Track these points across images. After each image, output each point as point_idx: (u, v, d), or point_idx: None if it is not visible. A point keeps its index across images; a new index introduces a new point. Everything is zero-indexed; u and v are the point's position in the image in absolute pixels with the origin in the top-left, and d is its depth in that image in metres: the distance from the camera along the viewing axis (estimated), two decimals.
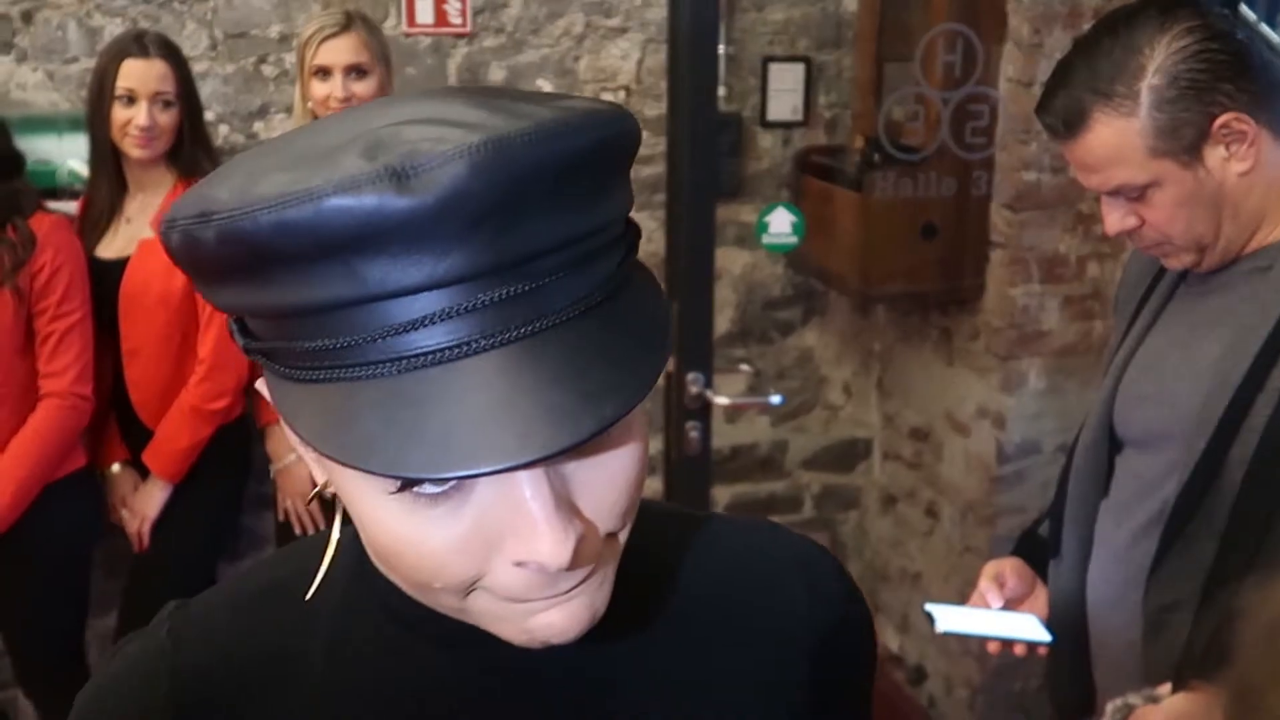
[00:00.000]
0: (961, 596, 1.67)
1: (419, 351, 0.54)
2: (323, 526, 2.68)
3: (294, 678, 0.72)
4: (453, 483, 0.56)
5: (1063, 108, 1.40)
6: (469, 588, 0.60)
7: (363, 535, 0.63)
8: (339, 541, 0.72)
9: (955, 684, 3.19)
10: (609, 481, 0.60)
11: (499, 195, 0.52)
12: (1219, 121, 1.33)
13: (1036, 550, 1.70)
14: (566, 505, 0.58)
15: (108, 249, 2.51)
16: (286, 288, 0.54)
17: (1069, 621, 1.60)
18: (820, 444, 3.54)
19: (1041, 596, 1.67)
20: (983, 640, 1.64)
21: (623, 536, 0.64)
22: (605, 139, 0.57)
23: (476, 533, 0.58)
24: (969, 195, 2.87)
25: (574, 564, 0.57)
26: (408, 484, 0.56)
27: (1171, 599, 1.40)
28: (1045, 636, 1.61)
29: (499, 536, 0.58)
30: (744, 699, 0.76)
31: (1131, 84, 1.34)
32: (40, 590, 2.47)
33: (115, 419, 2.62)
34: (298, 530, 2.72)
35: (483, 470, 0.52)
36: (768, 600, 0.79)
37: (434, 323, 0.53)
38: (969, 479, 3.10)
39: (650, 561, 0.76)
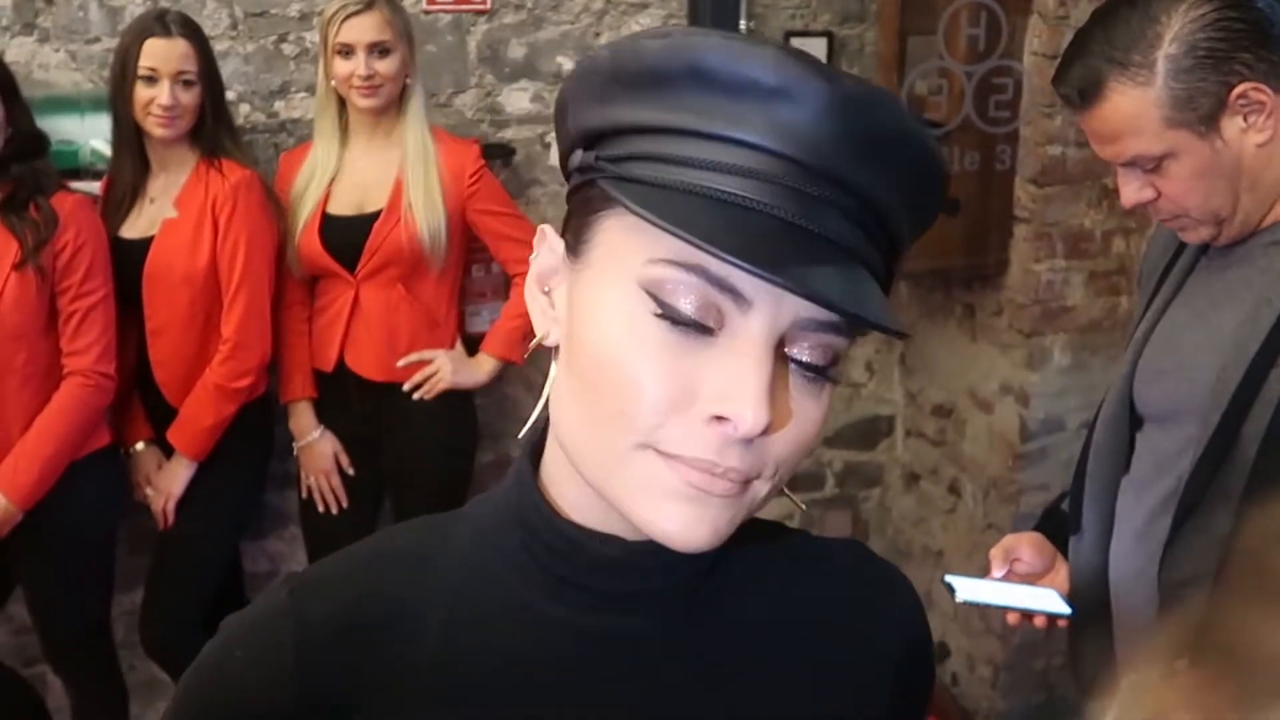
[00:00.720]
0: (984, 574, 1.66)
1: (756, 197, 0.64)
2: (345, 504, 2.70)
3: (412, 639, 0.75)
4: (697, 331, 0.65)
5: (1079, 77, 1.38)
6: (642, 440, 0.66)
7: (587, 357, 0.68)
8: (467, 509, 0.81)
9: (978, 661, 3.18)
10: (800, 420, 0.68)
11: (877, 128, 0.65)
12: (1237, 91, 1.31)
13: (1060, 526, 1.69)
14: (774, 393, 0.66)
15: (131, 229, 2.52)
16: (686, 108, 0.66)
17: (1091, 598, 1.59)
18: (843, 421, 3.52)
19: (1062, 572, 1.66)
20: (1003, 611, 1.63)
21: (762, 492, 0.70)
22: (943, 173, 0.71)
23: (690, 374, 0.65)
24: (993, 170, 2.85)
25: (765, 433, 0.65)
26: (671, 313, 0.65)
27: (1188, 574, 1.39)
28: (1065, 609, 1.60)
29: (708, 388, 0.65)
30: (829, 712, 0.81)
31: (1148, 53, 1.33)
32: (66, 568, 2.49)
33: (139, 398, 2.63)
34: (320, 508, 2.74)
35: (788, 284, 0.61)
36: (856, 624, 0.83)
37: (772, 182, 0.64)
38: (992, 456, 3.09)
39: (750, 567, 0.81)
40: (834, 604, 0.83)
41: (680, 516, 0.67)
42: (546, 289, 0.74)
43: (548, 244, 0.74)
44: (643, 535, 0.70)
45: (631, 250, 0.66)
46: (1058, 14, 2.70)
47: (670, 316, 0.65)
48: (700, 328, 0.65)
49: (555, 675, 0.74)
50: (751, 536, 0.77)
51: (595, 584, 0.75)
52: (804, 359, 0.67)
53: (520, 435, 0.80)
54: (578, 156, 0.71)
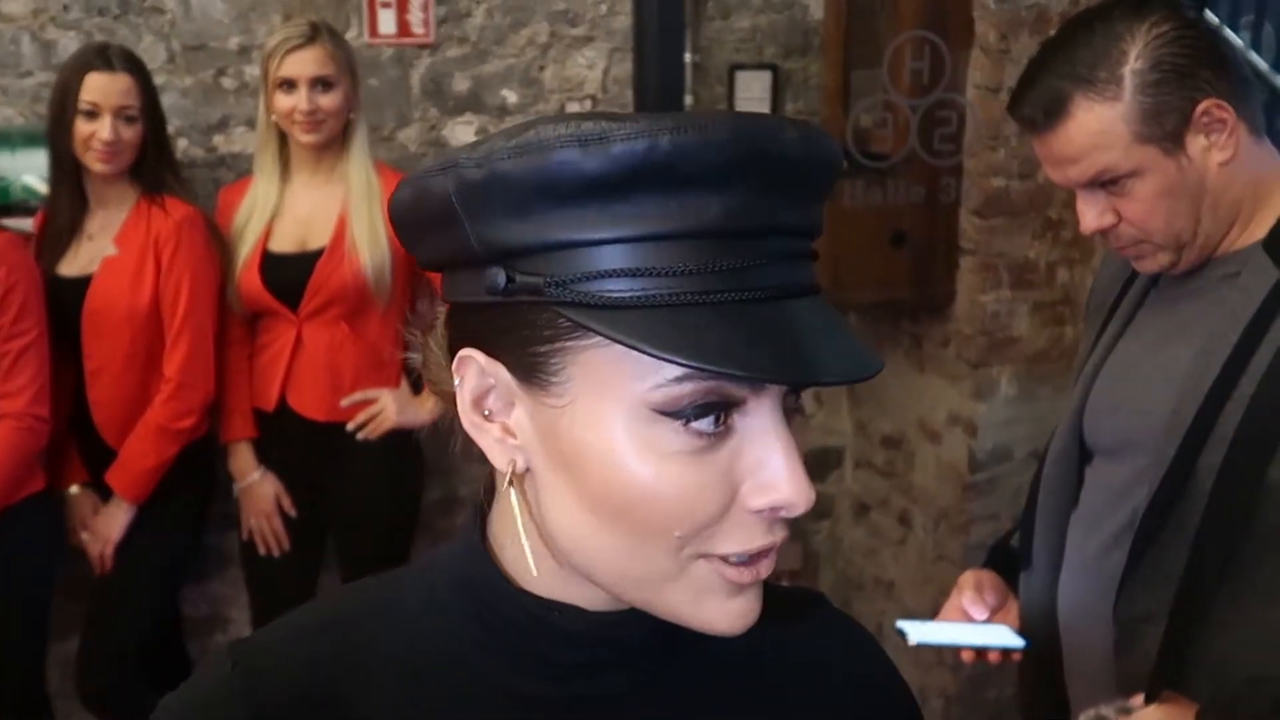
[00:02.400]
0: (935, 604, 1.65)
1: (770, 285, 0.63)
2: (286, 547, 2.65)
3: (363, 702, 0.72)
4: (720, 427, 0.63)
5: (1041, 98, 1.38)
6: (694, 551, 0.65)
7: (606, 488, 0.65)
8: (406, 571, 0.79)
9: (930, 694, 3.18)
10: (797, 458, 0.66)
11: (808, 164, 0.64)
12: (1201, 108, 1.33)
13: (1008, 562, 1.68)
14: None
15: (69, 266, 2.47)
16: (651, 214, 0.61)
17: (1041, 633, 1.58)
18: None
19: (1013, 610, 1.65)
20: (956, 650, 1.62)
21: None
22: (838, 154, 0.68)
23: (728, 474, 0.64)
24: (938, 202, 2.86)
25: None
26: (701, 414, 0.63)
27: (1143, 609, 1.39)
28: (1019, 642, 1.59)
29: (748, 481, 0.64)
30: None
31: (1114, 69, 1.33)
32: None
33: (74, 440, 2.57)
34: (261, 550, 2.68)
35: (828, 380, 0.61)
36: (811, 670, 0.82)
37: (785, 260, 0.64)
38: (941, 486, 3.09)
39: None
40: (790, 656, 0.82)
41: (732, 613, 0.67)
42: (487, 413, 0.69)
43: (478, 368, 0.68)
44: (603, 603, 0.69)
45: (628, 379, 0.63)
46: (999, 47, 2.73)
47: (697, 428, 0.63)
48: (721, 425, 0.64)
49: None
50: None
51: (551, 654, 0.72)
52: (793, 406, 0.67)
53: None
54: (499, 275, 0.64)
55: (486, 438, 0.69)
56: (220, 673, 0.72)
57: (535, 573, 0.70)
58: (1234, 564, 1.31)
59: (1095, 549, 1.48)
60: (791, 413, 0.67)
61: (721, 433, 0.63)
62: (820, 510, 3.60)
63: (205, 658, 0.75)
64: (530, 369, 0.65)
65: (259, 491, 2.66)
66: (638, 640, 0.73)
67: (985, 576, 1.67)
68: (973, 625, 1.62)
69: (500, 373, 0.67)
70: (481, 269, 0.65)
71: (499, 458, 0.68)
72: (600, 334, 0.61)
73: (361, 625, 0.75)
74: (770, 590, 0.84)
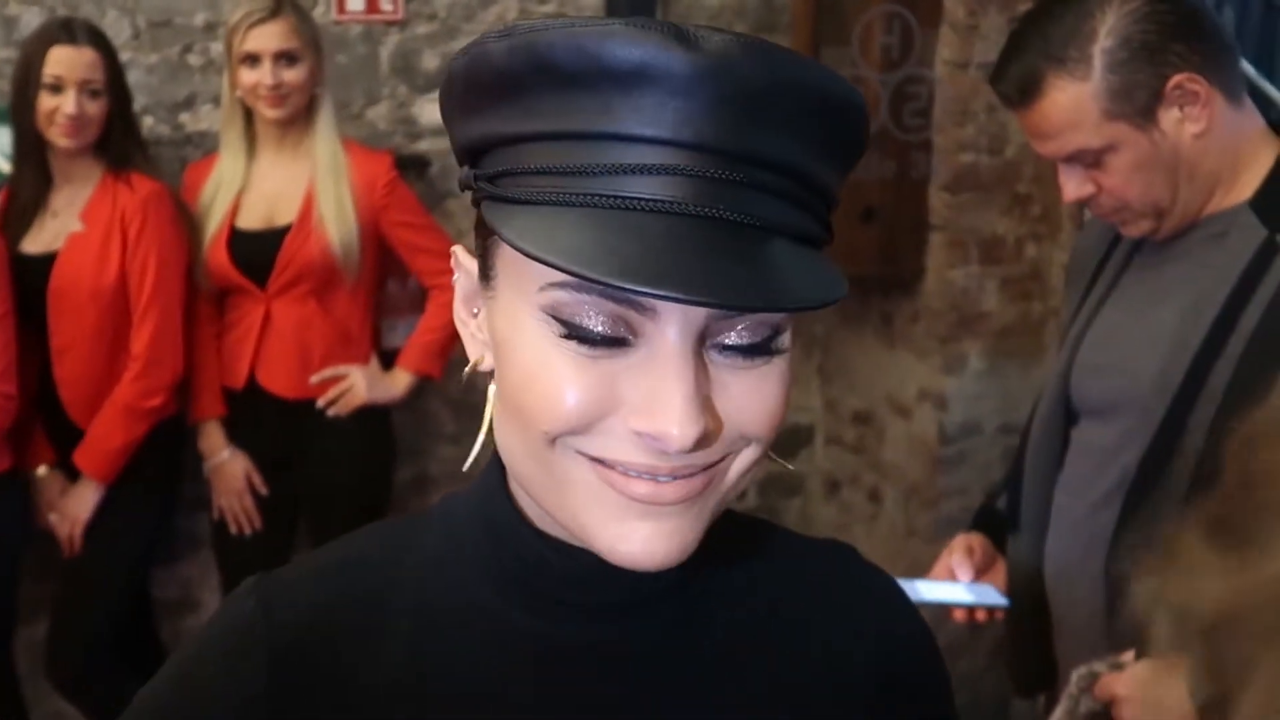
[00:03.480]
0: (908, 578, 1.66)
1: (638, 195, 0.60)
2: (258, 526, 2.62)
3: (381, 647, 0.72)
4: (611, 345, 0.62)
5: (1017, 76, 1.39)
6: (580, 447, 0.63)
7: (508, 382, 0.66)
8: (432, 512, 0.78)
9: None
10: (751, 398, 0.64)
11: (755, 85, 0.60)
12: (1172, 82, 1.34)
13: (995, 524, 1.70)
14: (703, 399, 0.62)
15: (33, 243, 2.43)
16: (546, 112, 0.61)
17: (1029, 594, 1.60)
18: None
19: (1000, 571, 1.67)
20: (944, 608, 1.63)
21: (733, 474, 0.67)
22: (853, 104, 0.65)
23: (612, 387, 0.62)
24: (908, 177, 2.88)
25: (696, 447, 0.61)
26: (574, 331, 0.62)
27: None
28: (1002, 601, 1.62)
29: (632, 400, 0.62)
30: (802, 714, 0.77)
31: (1084, 47, 1.35)
32: None
33: (41, 420, 2.52)
34: (233, 529, 2.65)
35: (673, 294, 0.56)
36: (839, 631, 0.80)
37: (658, 174, 0.60)
38: (912, 462, 3.11)
39: (730, 563, 0.78)
40: (816, 610, 0.80)
41: (635, 538, 0.64)
42: (475, 311, 0.72)
43: (464, 267, 0.72)
44: None
45: (527, 276, 0.63)
46: (968, 23, 2.75)
47: (577, 337, 0.62)
48: (612, 342, 0.62)
49: (527, 687, 0.72)
50: (730, 536, 0.75)
51: (567, 596, 0.72)
52: (738, 343, 0.64)
53: (465, 467, 0.76)
54: (465, 173, 0.68)
55: (465, 332, 0.73)
56: (243, 607, 0.73)
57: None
58: None
59: (1084, 509, 1.50)
60: (754, 358, 0.64)
61: (610, 350, 0.62)
62: (791, 488, 3.62)
63: (229, 594, 0.75)
64: (483, 265, 0.69)
65: (229, 470, 2.63)
66: (658, 585, 0.72)
67: (975, 539, 1.68)
68: (959, 585, 1.64)
69: (474, 269, 0.71)
70: (462, 166, 0.69)
71: (471, 351, 0.72)
72: (491, 228, 0.63)
73: (383, 567, 0.75)
74: (798, 540, 0.84)
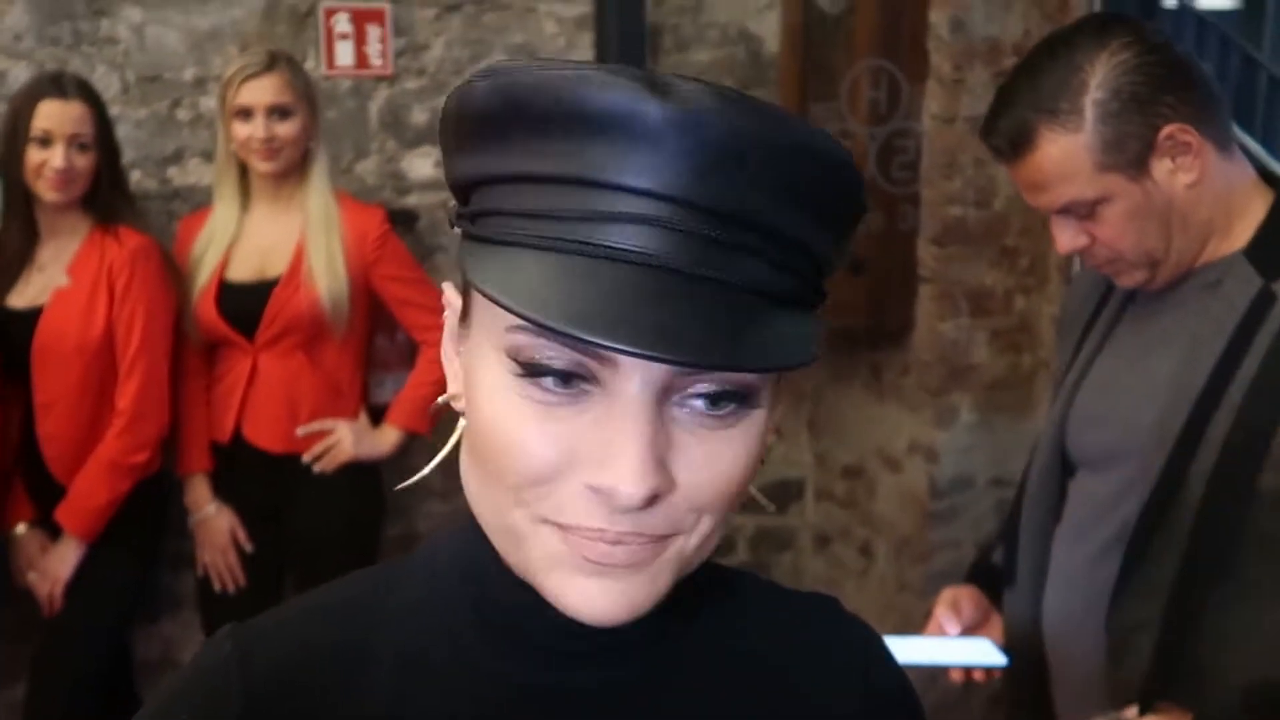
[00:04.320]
0: (899, 634, 1.63)
1: (603, 242, 0.59)
2: (242, 582, 2.58)
3: (361, 695, 0.71)
4: (573, 385, 0.61)
5: (1008, 128, 1.39)
6: (536, 513, 0.63)
7: (472, 427, 0.65)
8: (419, 551, 0.77)
9: None
10: (712, 465, 0.63)
11: (727, 136, 0.58)
12: (1164, 133, 1.34)
13: (990, 578, 1.68)
14: (660, 459, 0.61)
15: (19, 298, 2.41)
16: (520, 153, 0.61)
17: (1026, 649, 1.58)
18: (752, 485, 3.51)
19: (996, 625, 1.65)
20: (940, 670, 1.61)
21: (691, 544, 0.65)
22: (835, 158, 0.63)
23: (570, 438, 0.61)
24: (896, 230, 2.90)
25: (644, 505, 0.60)
26: (534, 369, 0.61)
27: (1135, 619, 1.39)
28: (1001, 659, 1.59)
29: (587, 454, 0.61)
30: None
31: (1075, 99, 1.35)
32: None
33: (20, 476, 2.49)
34: (217, 586, 2.61)
35: (623, 346, 0.55)
36: (823, 687, 0.79)
37: (626, 221, 0.59)
38: (903, 515, 3.10)
39: (709, 613, 0.77)
40: (797, 661, 0.79)
41: (582, 592, 0.63)
42: (460, 350, 0.71)
43: (451, 305, 0.71)
44: None
45: (495, 317, 0.63)
46: (954, 78, 2.77)
47: (535, 377, 0.61)
48: (570, 384, 0.61)
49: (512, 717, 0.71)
50: (710, 587, 0.75)
51: (545, 642, 0.71)
52: (702, 402, 0.62)
53: (412, 481, 0.77)
54: (451, 209, 0.69)
55: (450, 369, 0.72)
56: (219, 654, 0.71)
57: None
58: (1226, 571, 1.32)
59: (1083, 561, 1.48)
60: (721, 415, 0.62)
61: (571, 396, 0.61)
62: (781, 542, 3.59)
63: (207, 639, 0.74)
64: (463, 303, 0.69)
65: (214, 525, 2.60)
66: (637, 633, 0.70)
67: (963, 591, 1.67)
68: (955, 641, 1.61)
69: (459, 307, 0.70)
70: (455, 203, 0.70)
71: (451, 388, 0.72)
72: (464, 267, 0.63)
73: (362, 613, 0.73)
74: (781, 592, 0.83)
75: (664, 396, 0.61)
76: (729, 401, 0.62)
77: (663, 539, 0.63)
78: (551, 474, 0.61)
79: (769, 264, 0.61)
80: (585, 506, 0.61)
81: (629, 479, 0.59)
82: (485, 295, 0.59)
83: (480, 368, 0.65)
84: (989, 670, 1.60)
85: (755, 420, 0.64)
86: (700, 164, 0.58)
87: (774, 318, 0.61)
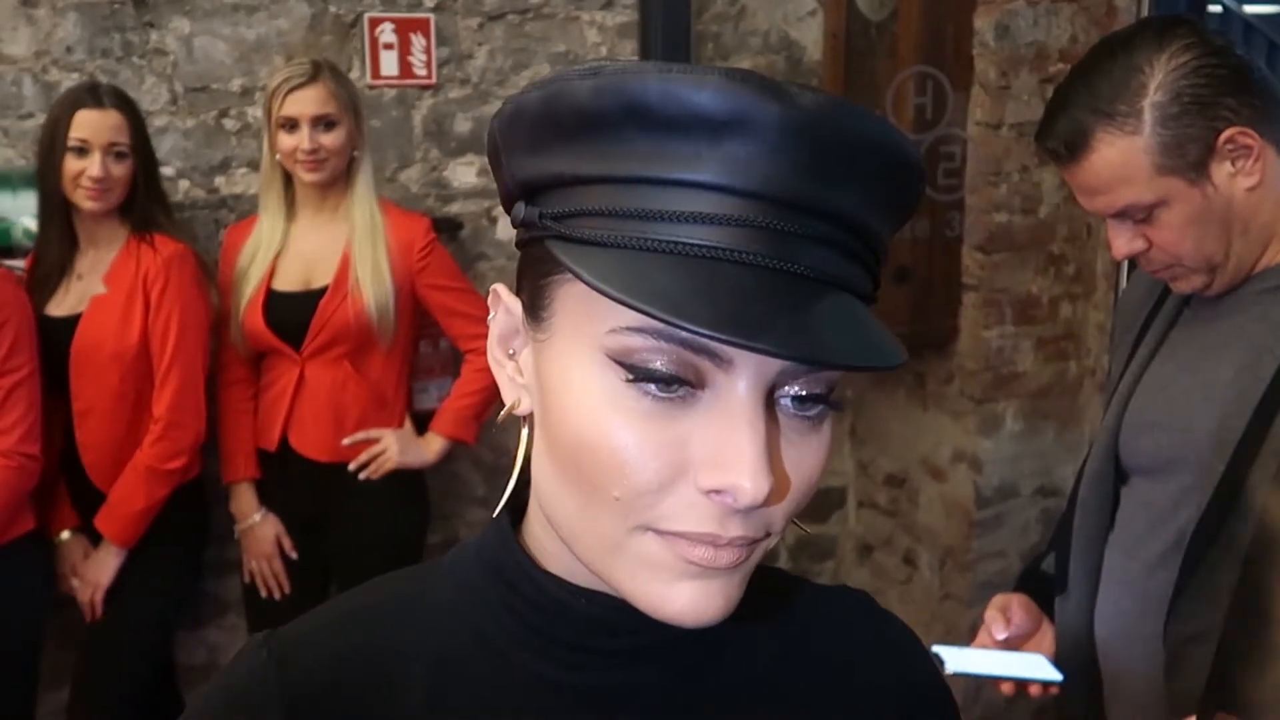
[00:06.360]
0: (943, 644, 1.61)
1: (722, 245, 0.59)
2: (287, 589, 2.60)
3: (397, 699, 0.71)
4: (679, 389, 0.60)
5: (1064, 130, 1.38)
6: (640, 522, 0.62)
7: (562, 435, 0.64)
8: (449, 557, 0.77)
9: None
10: (803, 465, 0.64)
11: (842, 143, 0.60)
12: (1224, 136, 1.32)
13: (1041, 587, 1.66)
14: (773, 453, 0.61)
15: (58, 307, 2.43)
16: (629, 154, 0.61)
17: (1079, 658, 1.56)
18: None
19: (1048, 634, 1.63)
20: (994, 681, 1.59)
21: (771, 540, 0.66)
22: (919, 166, 0.65)
23: (680, 446, 0.61)
24: (941, 237, 2.87)
25: (766, 503, 0.60)
26: (645, 373, 0.60)
27: (1193, 629, 1.36)
28: (1056, 675, 1.56)
29: (700, 459, 0.60)
30: None
31: (1134, 102, 1.33)
32: None
33: (64, 483, 2.51)
34: (263, 593, 2.63)
35: (768, 349, 0.56)
36: (859, 680, 0.79)
37: (742, 225, 0.59)
38: (947, 525, 3.07)
39: (747, 610, 0.75)
40: (834, 655, 0.79)
41: (687, 597, 0.63)
42: (511, 352, 0.71)
43: (504, 305, 0.70)
44: None
45: (594, 319, 0.62)
46: (999, 84, 2.75)
47: (644, 380, 0.60)
48: (680, 388, 0.60)
49: None
50: (751, 584, 0.74)
51: (584, 642, 0.71)
52: (800, 395, 0.62)
53: (496, 512, 0.74)
54: (520, 210, 0.66)
55: (502, 374, 0.71)
56: (254, 662, 0.71)
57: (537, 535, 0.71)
58: None
59: (1138, 570, 1.46)
60: (811, 415, 0.63)
61: (678, 400, 0.60)
62: (823, 551, 3.57)
63: (242, 646, 0.74)
64: (533, 304, 0.67)
65: (259, 533, 2.62)
66: (673, 632, 0.69)
67: (1014, 599, 1.65)
68: (1010, 655, 1.59)
69: (517, 309, 0.69)
70: (515, 203, 0.68)
71: (508, 394, 0.70)
72: (566, 267, 0.61)
73: (394, 617, 0.73)
74: (813, 588, 0.84)
75: (767, 394, 0.61)
76: (816, 402, 0.63)
77: (756, 543, 0.64)
78: (661, 483, 0.61)
79: (862, 266, 0.64)
80: (697, 514, 0.61)
81: (750, 477, 0.59)
82: (613, 298, 0.57)
83: (570, 371, 0.63)
84: (1045, 686, 1.58)
85: (831, 421, 0.65)
86: (816, 168, 0.60)
87: (868, 317, 0.62)
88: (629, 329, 0.60)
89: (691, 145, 0.59)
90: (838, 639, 0.80)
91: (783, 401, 0.62)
